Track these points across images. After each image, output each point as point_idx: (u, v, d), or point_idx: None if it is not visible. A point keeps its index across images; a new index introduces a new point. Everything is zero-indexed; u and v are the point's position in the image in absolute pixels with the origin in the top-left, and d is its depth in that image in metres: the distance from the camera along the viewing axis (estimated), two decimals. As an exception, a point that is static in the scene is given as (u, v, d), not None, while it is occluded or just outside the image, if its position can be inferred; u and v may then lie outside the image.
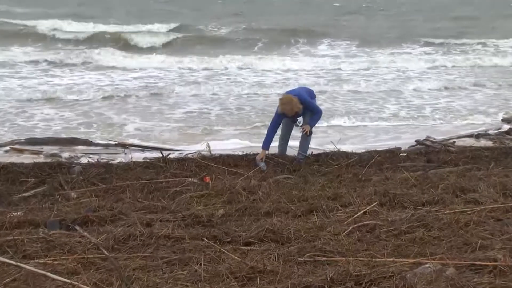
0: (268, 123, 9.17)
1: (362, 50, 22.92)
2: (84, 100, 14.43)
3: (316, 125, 9.17)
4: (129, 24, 26.98)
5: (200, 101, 14.60)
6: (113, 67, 18.65)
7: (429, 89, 16.16)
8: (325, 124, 12.08)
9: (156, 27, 26.82)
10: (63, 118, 12.84)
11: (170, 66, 19.05)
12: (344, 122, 12.62)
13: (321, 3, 35.38)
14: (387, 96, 15.32)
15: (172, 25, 27.12)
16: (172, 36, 24.65)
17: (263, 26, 27.45)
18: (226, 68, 18.80)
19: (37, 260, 5.02)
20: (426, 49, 23.34)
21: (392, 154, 9.30)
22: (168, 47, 23.14)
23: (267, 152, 8.78)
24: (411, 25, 28.82)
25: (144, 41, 23.56)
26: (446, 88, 16.34)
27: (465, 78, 18.01)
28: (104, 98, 14.69)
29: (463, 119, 13.08)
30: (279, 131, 9.11)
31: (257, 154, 8.94)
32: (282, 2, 36.06)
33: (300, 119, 8.92)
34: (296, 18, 30.43)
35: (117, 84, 16.43)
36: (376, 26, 28.54)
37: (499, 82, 17.09)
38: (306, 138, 8.99)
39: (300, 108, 8.75)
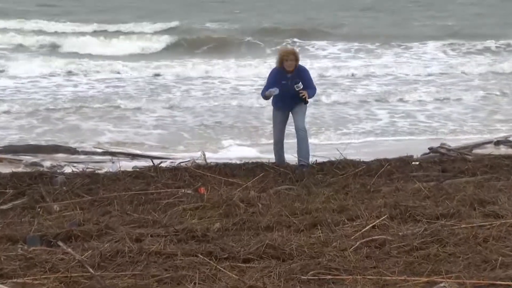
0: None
1: (365, 50, 23.01)
2: (43, 107, 14.46)
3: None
4: (104, 23, 27.20)
5: (169, 108, 14.71)
6: (73, 73, 18.59)
7: (428, 97, 16.04)
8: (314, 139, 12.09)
9: (133, 25, 27.00)
10: (20, 126, 12.86)
11: (141, 69, 19.06)
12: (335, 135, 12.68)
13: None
14: (379, 104, 15.34)
15: (159, 25, 27.24)
16: (155, 37, 24.65)
17: (260, 25, 27.50)
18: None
19: (15, 280, 5.00)
20: (434, 50, 23.38)
21: (403, 162, 9.30)
22: (145, 49, 23.22)
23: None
24: (421, 24, 28.85)
25: (114, 43, 23.67)
26: (447, 97, 16.16)
27: (471, 82, 18.02)
28: (67, 105, 14.69)
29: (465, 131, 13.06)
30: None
31: (256, 162, 9.03)
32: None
33: (300, 84, 9.01)
34: (298, 16, 30.49)
35: (80, 90, 16.56)
36: (384, 25, 28.58)
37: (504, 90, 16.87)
38: (303, 141, 9.07)
39: (298, 61, 9.10)
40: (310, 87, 9.15)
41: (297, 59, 9.13)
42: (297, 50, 9.30)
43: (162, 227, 6.36)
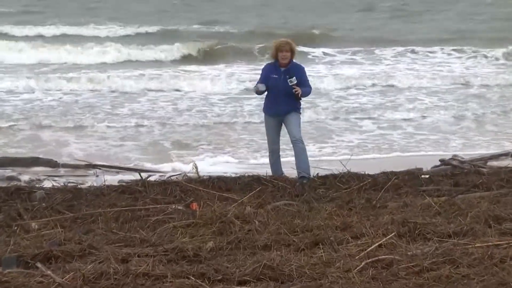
0: None
1: (363, 56, 23.14)
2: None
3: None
4: (78, 25, 27.49)
5: (134, 119, 14.84)
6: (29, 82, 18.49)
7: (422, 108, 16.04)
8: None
9: (105, 29, 27.17)
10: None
11: (105, 79, 19.03)
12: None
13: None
14: (371, 115, 15.39)
15: (133, 29, 27.44)
16: (118, 44, 24.61)
17: (250, 28, 27.59)
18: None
19: (-10, 304, 4.98)
20: (439, 55, 23.43)
21: (412, 176, 9.30)
22: (112, 56, 23.23)
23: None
24: (426, 26, 28.94)
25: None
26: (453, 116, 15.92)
27: (471, 91, 18.00)
28: (20, 116, 14.71)
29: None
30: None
31: (253, 176, 9.05)
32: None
33: (294, 79, 9.09)
34: (293, 17, 30.60)
35: (35, 98, 16.64)
36: (386, 27, 28.69)
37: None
38: (301, 152, 9.10)
39: (294, 54, 9.18)
40: (305, 86, 9.23)
41: (292, 51, 9.19)
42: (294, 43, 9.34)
43: (151, 247, 6.35)
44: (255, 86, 9.24)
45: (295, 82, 9.08)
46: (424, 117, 15.28)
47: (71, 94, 17.31)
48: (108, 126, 14.11)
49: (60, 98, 16.86)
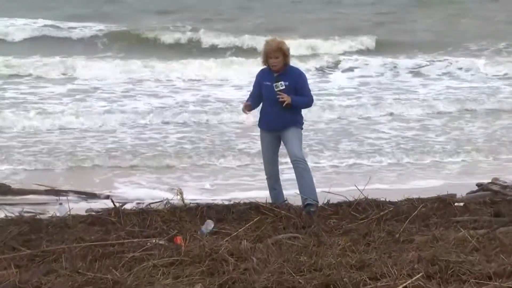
0: None
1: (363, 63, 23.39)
2: None
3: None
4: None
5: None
6: None
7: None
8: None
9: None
10: None
11: None
12: None
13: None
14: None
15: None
16: None
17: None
18: None
19: None
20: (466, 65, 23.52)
21: (443, 203, 9.32)
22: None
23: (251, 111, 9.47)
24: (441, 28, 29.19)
25: None
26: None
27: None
28: None
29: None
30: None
31: (250, 203, 9.09)
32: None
33: (281, 84, 9.20)
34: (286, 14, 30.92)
35: None
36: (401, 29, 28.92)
37: None
38: (303, 174, 9.17)
39: (287, 57, 9.22)
40: (303, 95, 9.28)
41: (285, 55, 9.24)
42: (286, 44, 9.38)
43: (126, 290, 6.34)
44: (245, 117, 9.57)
45: (282, 87, 9.16)
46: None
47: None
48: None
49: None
